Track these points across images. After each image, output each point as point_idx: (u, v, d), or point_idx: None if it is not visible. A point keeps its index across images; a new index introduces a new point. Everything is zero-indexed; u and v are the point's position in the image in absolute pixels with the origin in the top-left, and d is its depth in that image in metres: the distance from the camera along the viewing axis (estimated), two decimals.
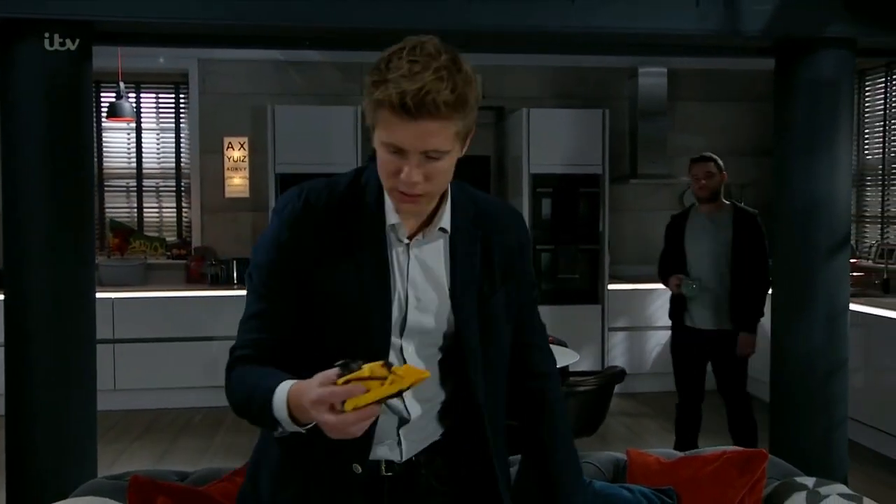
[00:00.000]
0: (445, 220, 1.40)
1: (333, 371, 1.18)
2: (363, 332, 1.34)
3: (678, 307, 4.08)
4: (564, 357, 3.74)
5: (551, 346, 4.01)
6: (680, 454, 2.14)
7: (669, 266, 4.11)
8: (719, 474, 1.97)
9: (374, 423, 1.27)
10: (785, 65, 3.43)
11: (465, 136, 1.30)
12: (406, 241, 1.38)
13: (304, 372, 1.25)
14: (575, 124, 5.99)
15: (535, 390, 1.55)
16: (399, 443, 1.41)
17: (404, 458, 1.41)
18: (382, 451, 1.40)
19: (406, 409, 1.39)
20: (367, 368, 1.16)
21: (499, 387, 1.47)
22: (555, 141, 5.93)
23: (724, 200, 4.02)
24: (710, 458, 2.03)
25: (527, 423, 1.55)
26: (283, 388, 1.24)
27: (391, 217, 1.36)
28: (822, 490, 1.92)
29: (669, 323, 4.17)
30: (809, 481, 1.97)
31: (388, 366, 1.18)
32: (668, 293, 4.12)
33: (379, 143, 1.28)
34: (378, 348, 1.33)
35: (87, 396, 3.15)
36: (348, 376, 1.16)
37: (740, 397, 3.90)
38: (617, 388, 5.44)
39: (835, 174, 3.24)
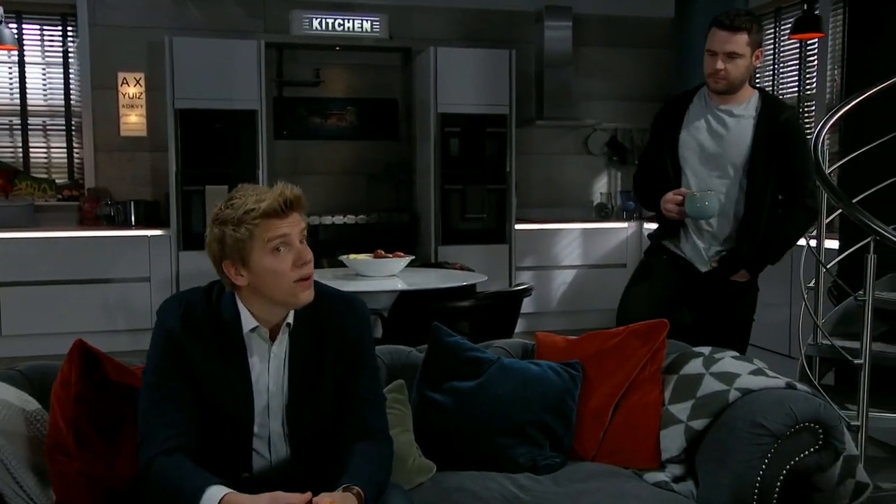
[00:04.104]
0: (290, 315, 1.66)
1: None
2: (232, 422, 1.63)
3: (669, 234, 2.74)
4: (473, 277, 3.82)
5: (459, 271, 4.12)
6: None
7: (654, 177, 2.73)
8: (622, 346, 2.06)
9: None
10: None
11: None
12: (268, 341, 1.65)
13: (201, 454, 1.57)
14: (482, 64, 6.00)
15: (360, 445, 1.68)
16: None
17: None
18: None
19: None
20: None
21: (327, 440, 1.69)
22: (462, 81, 5.93)
23: (750, 87, 2.66)
24: (616, 333, 2.11)
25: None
26: (215, 494, 1.47)
27: (249, 323, 1.64)
28: (717, 356, 2.03)
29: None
30: (706, 350, 2.08)
31: None
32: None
33: (268, 254, 1.56)
34: (246, 434, 1.64)
35: None
36: None
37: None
38: (522, 326, 5.53)
39: None
